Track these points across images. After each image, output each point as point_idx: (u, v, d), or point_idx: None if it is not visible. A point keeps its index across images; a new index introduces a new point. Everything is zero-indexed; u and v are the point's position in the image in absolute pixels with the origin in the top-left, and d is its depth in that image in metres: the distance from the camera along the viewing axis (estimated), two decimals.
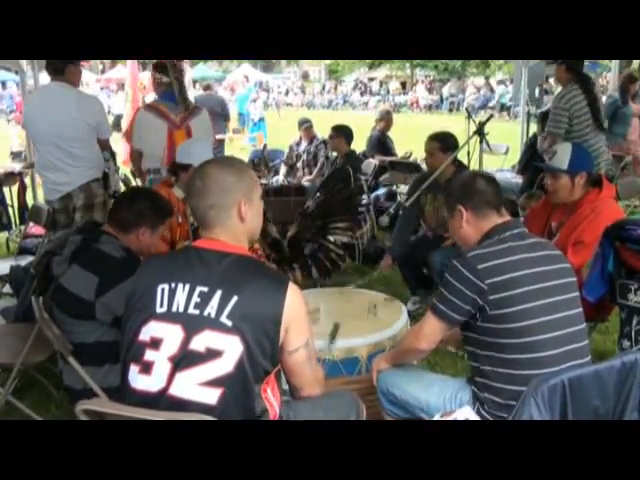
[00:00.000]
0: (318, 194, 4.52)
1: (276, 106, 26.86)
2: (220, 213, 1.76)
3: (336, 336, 2.68)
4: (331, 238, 4.40)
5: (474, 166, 4.18)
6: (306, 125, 7.17)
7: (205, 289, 1.68)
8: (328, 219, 4.41)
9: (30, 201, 6.57)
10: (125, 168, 6.21)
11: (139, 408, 1.60)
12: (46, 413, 3.03)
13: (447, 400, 2.16)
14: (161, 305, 1.69)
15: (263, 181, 6.62)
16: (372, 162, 7.10)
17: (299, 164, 7.16)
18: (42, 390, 3.23)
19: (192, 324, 1.65)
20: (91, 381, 2.35)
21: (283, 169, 7.47)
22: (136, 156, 4.37)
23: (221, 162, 1.93)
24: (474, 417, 2.00)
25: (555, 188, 3.11)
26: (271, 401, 1.75)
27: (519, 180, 6.58)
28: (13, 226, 6.51)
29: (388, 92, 31.46)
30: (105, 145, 4.38)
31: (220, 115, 8.87)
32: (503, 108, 23.75)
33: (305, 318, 1.79)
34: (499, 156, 8.01)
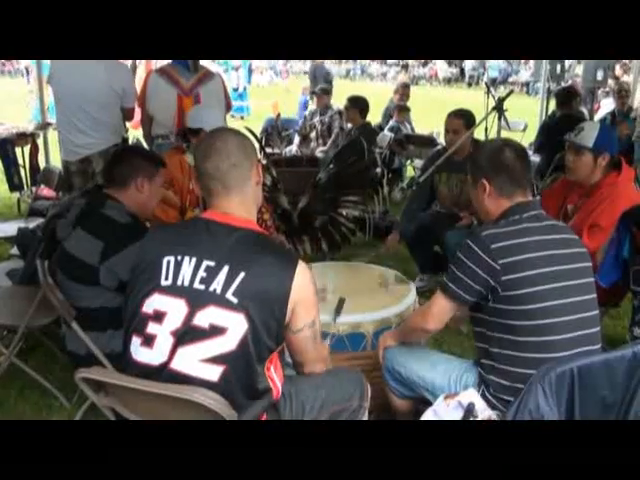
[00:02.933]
0: (331, 166, 4.46)
1: (281, 76, 25.95)
2: (242, 173, 1.75)
3: (341, 311, 2.64)
4: (342, 211, 4.35)
5: None
6: (317, 92, 7.07)
7: (212, 264, 1.64)
8: (340, 192, 4.36)
9: (42, 163, 6.57)
10: (134, 131, 6.15)
11: (139, 379, 1.58)
12: (51, 375, 3.04)
13: (452, 381, 2.14)
14: (166, 278, 1.66)
15: (276, 150, 6.56)
16: (387, 135, 7.01)
17: (313, 134, 7.08)
18: (47, 352, 3.24)
19: (197, 299, 1.62)
20: (94, 347, 2.34)
21: (297, 139, 7.39)
22: (147, 120, 4.32)
23: (231, 128, 1.92)
24: (478, 399, 1.97)
25: (576, 165, 3.04)
26: (274, 379, 1.73)
27: (536, 159, 6.46)
28: (25, 187, 6.50)
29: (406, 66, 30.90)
30: (129, 114, 4.34)
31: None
32: (494, 83, 23.38)
33: (313, 298, 1.76)
34: (516, 133, 7.89)
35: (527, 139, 7.99)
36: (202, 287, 1.63)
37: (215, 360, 1.60)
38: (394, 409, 2.44)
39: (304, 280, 1.69)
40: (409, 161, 7.51)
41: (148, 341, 1.65)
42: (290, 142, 7.50)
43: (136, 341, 1.67)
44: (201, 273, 1.64)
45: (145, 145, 4.53)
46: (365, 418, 1.99)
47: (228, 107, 4.60)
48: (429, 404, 2.09)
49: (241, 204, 1.76)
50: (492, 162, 2.08)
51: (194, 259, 1.65)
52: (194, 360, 1.60)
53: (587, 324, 1.97)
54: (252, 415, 1.67)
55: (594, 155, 2.97)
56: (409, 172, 7.67)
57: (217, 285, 1.62)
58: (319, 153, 6.55)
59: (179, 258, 1.66)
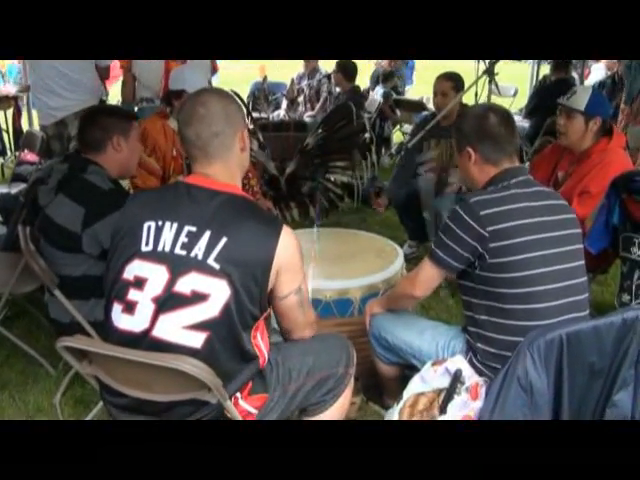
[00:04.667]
0: (319, 131, 4.40)
1: None
2: (224, 142, 1.69)
3: None
4: (331, 177, 4.31)
5: None
6: None
7: (193, 229, 1.61)
8: (328, 157, 4.31)
9: (26, 126, 6.44)
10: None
11: (121, 347, 1.56)
12: (36, 343, 3.02)
13: (440, 348, 2.13)
14: (147, 244, 1.62)
15: (263, 115, 6.47)
16: (376, 100, 6.93)
17: (301, 99, 6.97)
18: (32, 320, 3.22)
19: (178, 265, 1.59)
20: (78, 314, 2.31)
21: (284, 103, 7.28)
22: (130, 83, 4.24)
23: (217, 90, 1.85)
24: (466, 366, 1.97)
25: (567, 129, 3.01)
26: (260, 347, 1.71)
27: (526, 124, 6.42)
28: (8, 152, 6.40)
29: None
30: (105, 73, 4.24)
31: None
32: None
33: (298, 263, 1.73)
34: (507, 98, 7.82)
35: (517, 104, 7.93)
36: (183, 253, 1.59)
37: (198, 327, 1.57)
38: (381, 375, 2.44)
39: (288, 245, 1.66)
40: (398, 127, 7.45)
41: (129, 308, 1.62)
42: (278, 106, 7.39)
43: (117, 308, 1.64)
44: (182, 239, 1.60)
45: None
46: (351, 384, 1.98)
47: (214, 69, 4.52)
48: (416, 370, 2.09)
49: (224, 170, 1.71)
50: (476, 129, 2.05)
51: (175, 224, 1.62)
52: (176, 327, 1.58)
53: (575, 291, 1.96)
54: (239, 382, 1.66)
55: (585, 119, 2.94)
56: (397, 138, 7.61)
57: (199, 251, 1.58)
58: (307, 118, 6.46)
59: (160, 223, 1.63)
